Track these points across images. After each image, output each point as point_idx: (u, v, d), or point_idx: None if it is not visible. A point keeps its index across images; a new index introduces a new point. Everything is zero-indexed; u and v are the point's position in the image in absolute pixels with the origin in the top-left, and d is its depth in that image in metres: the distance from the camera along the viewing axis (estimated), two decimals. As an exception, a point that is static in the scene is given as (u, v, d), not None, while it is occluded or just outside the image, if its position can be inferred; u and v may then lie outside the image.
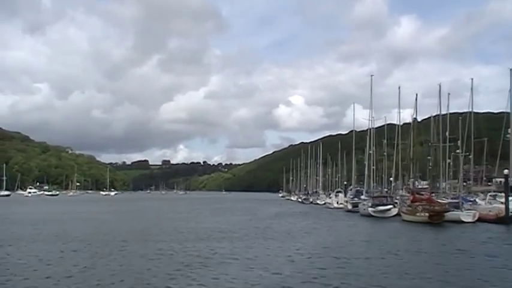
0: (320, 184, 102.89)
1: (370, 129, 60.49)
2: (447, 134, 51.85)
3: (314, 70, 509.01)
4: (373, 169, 62.58)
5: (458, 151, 48.78)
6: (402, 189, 59.18)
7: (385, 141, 68.63)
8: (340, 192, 73.87)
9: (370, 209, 47.62)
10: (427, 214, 38.49)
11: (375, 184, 67.25)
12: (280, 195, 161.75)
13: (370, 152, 59.80)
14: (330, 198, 76.65)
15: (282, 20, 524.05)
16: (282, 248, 22.88)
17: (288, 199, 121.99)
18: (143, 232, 30.47)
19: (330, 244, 24.87)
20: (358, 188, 68.67)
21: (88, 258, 18.81)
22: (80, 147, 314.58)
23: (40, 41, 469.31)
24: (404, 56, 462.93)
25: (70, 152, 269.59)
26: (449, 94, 53.05)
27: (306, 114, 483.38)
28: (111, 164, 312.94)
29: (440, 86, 50.92)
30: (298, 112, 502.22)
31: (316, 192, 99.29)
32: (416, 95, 57.07)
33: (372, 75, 62.71)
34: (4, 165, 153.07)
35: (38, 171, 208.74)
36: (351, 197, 63.40)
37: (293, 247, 23.17)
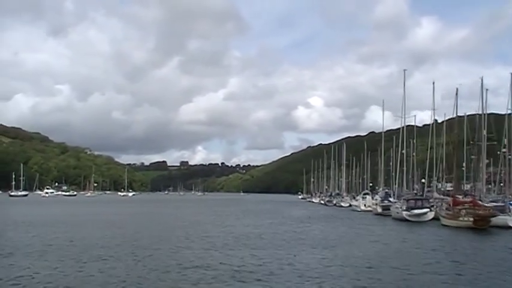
0: (343, 186, 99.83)
1: (402, 127, 57.18)
2: (485, 133, 48.59)
3: (333, 71, 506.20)
4: (403, 170, 59.32)
5: (504, 150, 45.44)
6: (437, 191, 55.73)
7: (415, 140, 65.16)
8: (367, 194, 70.76)
9: (404, 212, 44.59)
10: (471, 219, 35.40)
11: (400, 186, 63.84)
12: (300, 196, 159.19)
13: (402, 151, 56.52)
14: (356, 200, 73.80)
15: (301, 21, 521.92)
16: (329, 256, 20.42)
17: (310, 201, 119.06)
18: (171, 238, 27.83)
19: (380, 252, 22.34)
20: (387, 190, 65.66)
21: (112, 270, 16.31)
22: (99, 148, 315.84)
23: (62, 43, 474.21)
24: (425, 58, 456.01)
25: (89, 152, 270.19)
26: (487, 90, 49.61)
27: (325, 115, 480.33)
28: (129, 165, 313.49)
29: (482, 79, 47.53)
30: (317, 114, 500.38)
31: (338, 194, 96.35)
32: (457, 89, 53.15)
33: (404, 70, 59.53)
34: (21, 165, 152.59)
35: (57, 172, 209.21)
36: (380, 199, 60.45)
37: (341, 255, 20.74)
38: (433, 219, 42.82)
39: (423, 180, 59.44)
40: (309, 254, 21.24)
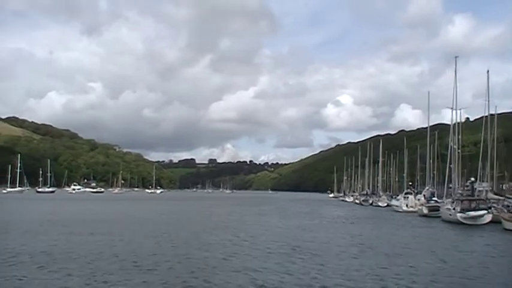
0: (379, 185, 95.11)
1: (455, 123, 52.57)
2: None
3: (364, 69, 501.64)
4: (450, 167, 54.42)
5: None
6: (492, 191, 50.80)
7: (459, 136, 60.01)
8: (409, 193, 66.02)
9: (459, 214, 40.12)
10: (542, 223, 31.04)
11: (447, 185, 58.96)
12: (330, 195, 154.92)
13: (454, 146, 51.77)
14: (397, 200, 69.23)
15: (332, 19, 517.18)
16: (403, 267, 17.00)
17: (343, 200, 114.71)
18: (218, 242, 24.06)
19: (471, 262, 19.12)
20: (432, 189, 60.93)
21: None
22: (129, 145, 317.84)
23: (95, 41, 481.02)
24: (457, 56, 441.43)
25: (118, 149, 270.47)
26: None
27: (355, 114, 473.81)
28: (158, 162, 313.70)
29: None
30: (346, 112, 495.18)
31: (374, 193, 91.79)
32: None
33: (456, 57, 55.16)
34: (48, 161, 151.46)
35: (86, 168, 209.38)
36: (425, 199, 55.96)
37: (415, 266, 17.22)
38: (490, 222, 38.34)
39: (472, 179, 54.26)
40: (388, 264, 17.72)
